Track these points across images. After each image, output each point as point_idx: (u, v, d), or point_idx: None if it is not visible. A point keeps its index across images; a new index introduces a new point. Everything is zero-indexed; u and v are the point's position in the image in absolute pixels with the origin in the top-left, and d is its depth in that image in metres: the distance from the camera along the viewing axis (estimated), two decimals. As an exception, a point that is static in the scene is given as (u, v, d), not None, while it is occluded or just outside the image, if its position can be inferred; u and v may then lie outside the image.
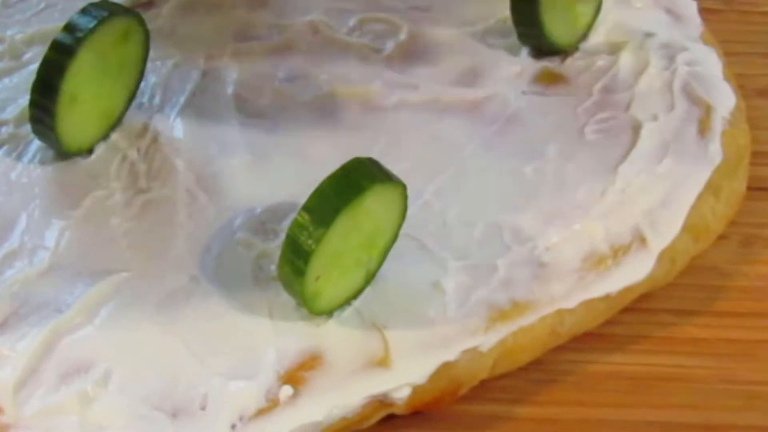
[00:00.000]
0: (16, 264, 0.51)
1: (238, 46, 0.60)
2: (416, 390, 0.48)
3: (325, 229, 0.47)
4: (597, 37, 0.61)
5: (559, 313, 0.51)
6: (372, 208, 0.48)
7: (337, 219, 0.47)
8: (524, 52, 0.60)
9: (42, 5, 0.61)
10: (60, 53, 0.52)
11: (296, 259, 0.47)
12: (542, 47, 0.60)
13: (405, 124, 0.57)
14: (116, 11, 0.54)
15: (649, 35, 0.61)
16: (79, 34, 0.52)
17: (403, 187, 0.49)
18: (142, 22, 0.55)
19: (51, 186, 0.54)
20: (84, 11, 0.53)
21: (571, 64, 0.60)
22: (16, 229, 0.52)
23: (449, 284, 0.51)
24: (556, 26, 0.60)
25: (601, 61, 0.60)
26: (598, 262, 0.52)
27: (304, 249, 0.47)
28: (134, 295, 0.50)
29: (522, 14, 0.59)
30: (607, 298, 0.52)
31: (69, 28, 0.52)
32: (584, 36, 0.61)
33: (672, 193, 0.54)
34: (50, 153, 0.55)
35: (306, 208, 0.47)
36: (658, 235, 0.53)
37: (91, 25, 0.52)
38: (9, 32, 0.60)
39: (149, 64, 0.57)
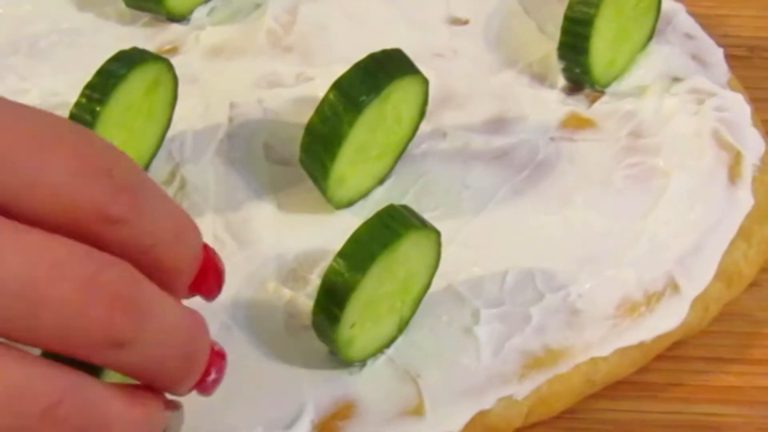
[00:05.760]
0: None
1: (263, 93, 0.59)
2: (451, 438, 0.48)
3: (361, 275, 0.46)
4: (624, 81, 0.61)
5: (594, 360, 0.50)
6: (407, 254, 0.48)
7: (373, 265, 0.46)
8: (551, 96, 0.60)
9: (68, 51, 0.61)
10: (91, 99, 0.51)
11: (331, 305, 0.47)
12: (581, 79, 0.60)
13: (434, 172, 0.57)
14: (147, 57, 0.53)
15: (676, 80, 0.61)
16: (112, 81, 0.52)
17: (438, 234, 0.49)
18: (171, 69, 0.55)
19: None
20: (115, 58, 0.53)
21: (599, 108, 0.59)
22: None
23: (482, 332, 0.50)
24: (601, 58, 0.59)
25: (628, 106, 0.59)
26: (631, 309, 0.52)
27: (339, 295, 0.46)
28: (164, 343, 0.50)
29: (574, 36, 0.59)
30: (641, 345, 0.51)
31: (101, 74, 0.52)
32: (620, 75, 0.61)
33: (704, 240, 0.54)
34: (77, 200, 0.55)
35: (342, 254, 0.47)
36: (691, 281, 0.53)
37: (123, 71, 0.52)
38: (35, 80, 0.60)
39: (176, 111, 0.56)
